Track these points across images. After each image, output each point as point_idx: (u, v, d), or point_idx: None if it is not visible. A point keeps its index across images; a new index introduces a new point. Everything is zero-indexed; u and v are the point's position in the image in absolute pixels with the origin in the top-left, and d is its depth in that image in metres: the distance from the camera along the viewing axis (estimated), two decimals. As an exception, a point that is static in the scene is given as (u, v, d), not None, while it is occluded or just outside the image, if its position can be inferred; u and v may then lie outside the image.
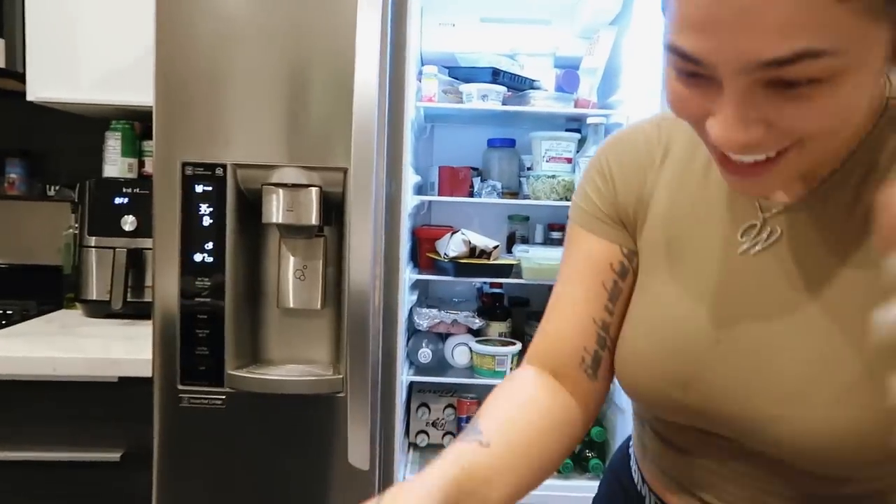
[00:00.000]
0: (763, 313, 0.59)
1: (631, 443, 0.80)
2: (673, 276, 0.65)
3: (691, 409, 0.63)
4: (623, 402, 1.66)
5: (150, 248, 1.43)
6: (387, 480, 1.40)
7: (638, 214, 0.69)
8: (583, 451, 1.75)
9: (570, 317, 0.70)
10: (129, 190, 1.68)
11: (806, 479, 0.58)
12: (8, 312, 1.72)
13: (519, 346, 1.78)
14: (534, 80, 1.80)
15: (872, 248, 0.54)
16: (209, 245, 1.32)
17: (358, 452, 1.27)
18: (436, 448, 1.82)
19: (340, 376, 1.33)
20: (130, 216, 1.66)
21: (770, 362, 0.58)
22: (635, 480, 0.76)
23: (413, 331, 1.81)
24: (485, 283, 1.98)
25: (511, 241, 2.01)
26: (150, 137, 1.35)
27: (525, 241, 2.00)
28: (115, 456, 1.39)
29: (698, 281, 0.63)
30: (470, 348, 1.78)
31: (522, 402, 0.67)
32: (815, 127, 0.47)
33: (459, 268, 1.72)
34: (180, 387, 1.33)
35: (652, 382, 0.65)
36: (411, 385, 1.80)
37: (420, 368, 1.78)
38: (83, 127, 1.90)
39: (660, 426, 0.70)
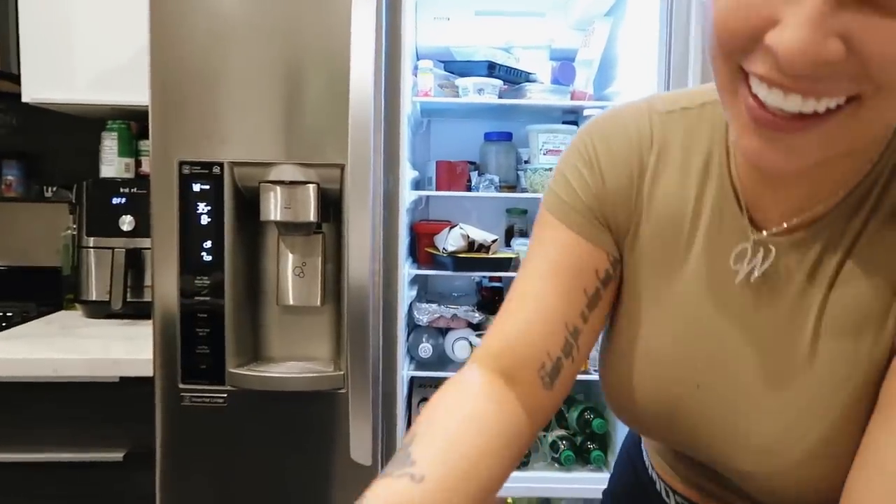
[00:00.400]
0: (747, 353, 0.57)
1: None
2: (662, 307, 0.61)
3: (677, 445, 0.64)
4: (624, 393, 1.67)
5: (148, 248, 1.43)
6: (389, 475, 1.40)
7: (630, 224, 0.63)
8: (584, 444, 1.75)
9: (539, 317, 0.62)
10: (127, 190, 1.68)
11: None
12: (8, 314, 1.72)
13: (519, 339, 1.77)
14: (529, 73, 1.80)
15: (867, 288, 0.52)
16: (208, 244, 1.32)
17: (360, 448, 1.27)
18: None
19: (341, 372, 1.33)
20: (128, 216, 1.66)
21: (744, 415, 0.56)
22: (647, 465, 0.77)
23: (413, 326, 1.81)
24: (484, 277, 1.98)
25: (509, 235, 2.01)
26: (146, 137, 1.35)
27: (523, 234, 2.00)
28: (117, 456, 1.40)
29: (687, 313, 0.60)
30: (470, 342, 1.78)
31: (465, 417, 0.57)
32: (893, 66, 0.40)
33: (458, 262, 1.72)
34: (181, 386, 1.33)
35: (639, 417, 0.64)
36: (412, 380, 1.81)
37: (421, 363, 1.78)
38: (79, 127, 1.90)
39: (662, 447, 0.72)
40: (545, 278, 0.63)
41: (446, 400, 0.60)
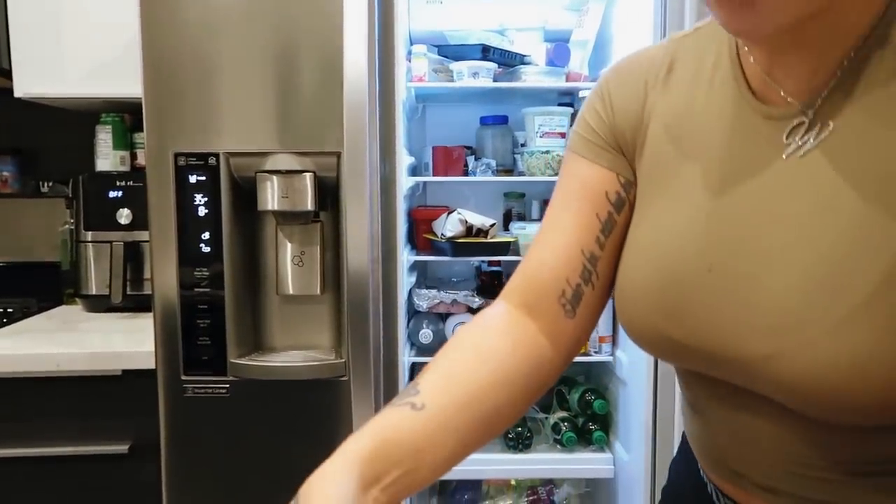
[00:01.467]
0: (778, 226, 0.52)
1: None
2: (675, 199, 0.60)
3: (685, 348, 0.57)
4: (624, 374, 1.67)
5: (146, 241, 1.43)
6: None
7: (637, 137, 0.64)
8: (586, 424, 1.76)
9: (556, 246, 0.65)
10: (123, 183, 1.67)
11: (831, 432, 0.52)
12: (9, 310, 1.72)
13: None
14: (524, 56, 1.79)
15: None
16: (206, 235, 1.32)
17: (364, 434, 1.27)
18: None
19: (343, 360, 1.34)
20: (125, 209, 1.66)
21: (765, 287, 0.51)
22: (699, 465, 0.70)
23: (413, 312, 1.82)
24: (483, 261, 1.99)
25: (507, 219, 2.01)
26: (140, 129, 1.35)
27: (521, 217, 2.00)
28: (123, 448, 1.41)
29: (698, 198, 0.58)
30: (471, 327, 1.78)
31: (476, 351, 0.61)
32: None
33: (457, 247, 1.72)
34: (184, 377, 1.33)
35: (644, 316, 0.60)
36: (413, 366, 1.81)
37: (422, 349, 1.79)
38: (73, 121, 1.89)
39: (686, 388, 0.66)
40: (560, 209, 0.67)
41: (463, 335, 0.63)
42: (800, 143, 0.53)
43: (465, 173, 1.83)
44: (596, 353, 1.75)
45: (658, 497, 0.80)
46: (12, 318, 1.69)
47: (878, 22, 0.50)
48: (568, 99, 1.94)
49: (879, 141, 0.49)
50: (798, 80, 0.54)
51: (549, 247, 0.66)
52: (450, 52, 1.79)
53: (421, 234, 1.86)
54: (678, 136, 0.61)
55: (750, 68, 0.57)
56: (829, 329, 0.47)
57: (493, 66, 1.72)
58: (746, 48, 0.57)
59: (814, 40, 0.52)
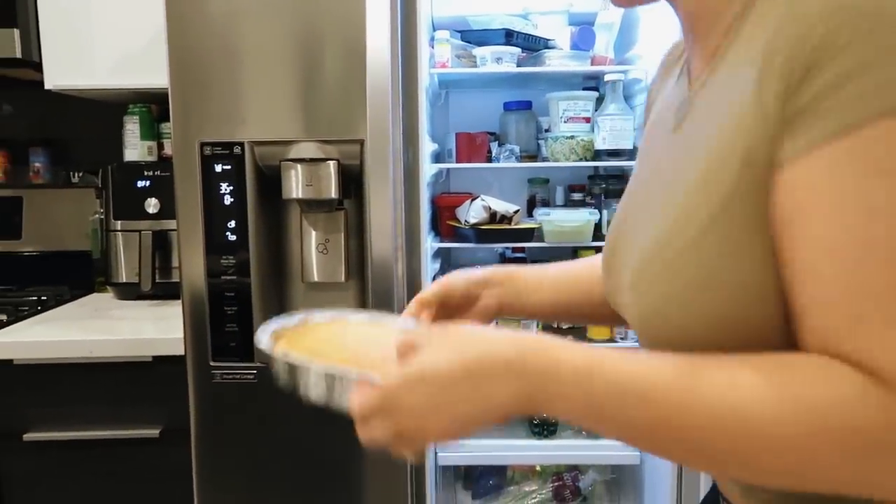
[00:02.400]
0: (652, 195, 0.61)
1: None
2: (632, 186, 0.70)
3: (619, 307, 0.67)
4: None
5: (174, 230, 1.45)
6: (419, 446, 1.42)
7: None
8: (612, 411, 1.75)
9: None
10: (150, 173, 1.70)
11: None
12: (42, 298, 1.76)
13: (544, 309, 1.77)
14: (548, 40, 1.77)
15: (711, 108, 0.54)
16: (232, 223, 1.33)
17: (389, 420, 1.28)
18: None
19: (368, 347, 1.35)
20: (153, 199, 1.68)
21: (631, 249, 0.62)
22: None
23: (438, 299, 1.82)
24: (507, 248, 1.98)
25: (531, 205, 2.00)
26: (167, 119, 1.36)
27: (546, 204, 1.99)
28: (154, 432, 1.44)
29: (632, 180, 0.68)
30: (495, 314, 1.78)
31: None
32: None
33: (481, 234, 1.71)
34: (212, 363, 1.36)
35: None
36: (439, 352, 1.82)
37: (446, 336, 1.79)
38: (102, 112, 1.92)
39: None
40: None
41: None
42: (676, 120, 0.61)
43: (489, 159, 1.82)
44: (622, 339, 1.74)
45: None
46: (46, 306, 1.73)
47: (741, 10, 0.53)
48: (593, 83, 1.92)
49: (714, 112, 0.54)
50: (698, 68, 0.60)
51: None
52: (473, 37, 1.77)
53: (444, 220, 1.86)
54: (652, 129, 0.68)
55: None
56: (659, 272, 0.54)
57: (516, 50, 1.71)
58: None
59: (700, 31, 0.59)
